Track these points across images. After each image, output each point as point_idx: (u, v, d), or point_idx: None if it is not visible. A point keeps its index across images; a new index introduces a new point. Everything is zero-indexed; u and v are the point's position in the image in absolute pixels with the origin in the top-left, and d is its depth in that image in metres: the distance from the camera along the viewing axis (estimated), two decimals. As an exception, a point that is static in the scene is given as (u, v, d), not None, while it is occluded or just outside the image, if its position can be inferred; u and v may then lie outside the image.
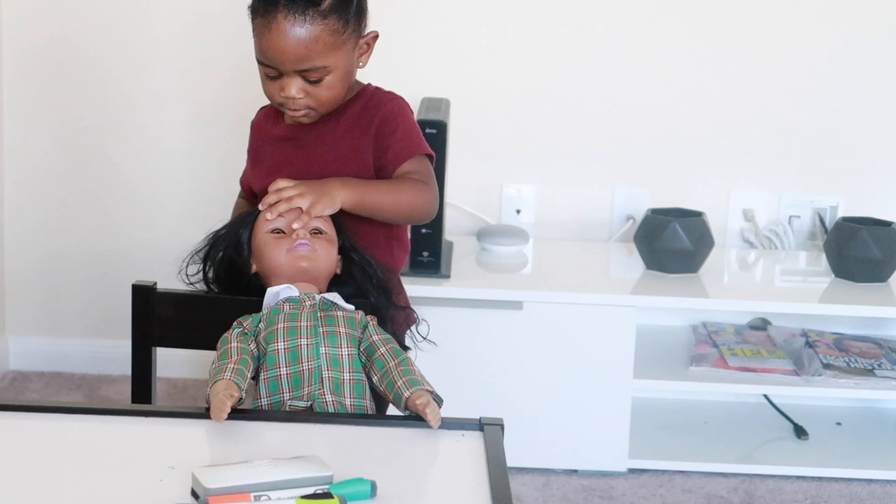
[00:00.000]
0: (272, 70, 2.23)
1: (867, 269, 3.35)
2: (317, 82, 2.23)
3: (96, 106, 3.67)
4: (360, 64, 2.32)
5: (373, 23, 2.32)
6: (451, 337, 3.11)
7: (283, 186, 2.14)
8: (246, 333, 1.98)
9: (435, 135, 3.03)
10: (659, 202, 3.57)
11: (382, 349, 1.96)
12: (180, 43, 3.64)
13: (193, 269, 2.20)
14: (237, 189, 2.48)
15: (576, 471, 3.27)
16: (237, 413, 1.81)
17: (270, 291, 2.05)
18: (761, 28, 3.62)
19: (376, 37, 2.32)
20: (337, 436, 1.81)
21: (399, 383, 1.89)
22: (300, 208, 2.11)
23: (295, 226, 2.09)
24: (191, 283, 2.20)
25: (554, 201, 3.70)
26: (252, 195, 2.39)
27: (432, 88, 3.46)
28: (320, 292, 2.06)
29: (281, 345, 1.94)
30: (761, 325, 3.62)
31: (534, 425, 3.21)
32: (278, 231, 2.11)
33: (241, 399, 1.85)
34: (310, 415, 1.89)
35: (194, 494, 1.57)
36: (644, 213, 3.43)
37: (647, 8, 3.61)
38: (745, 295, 3.38)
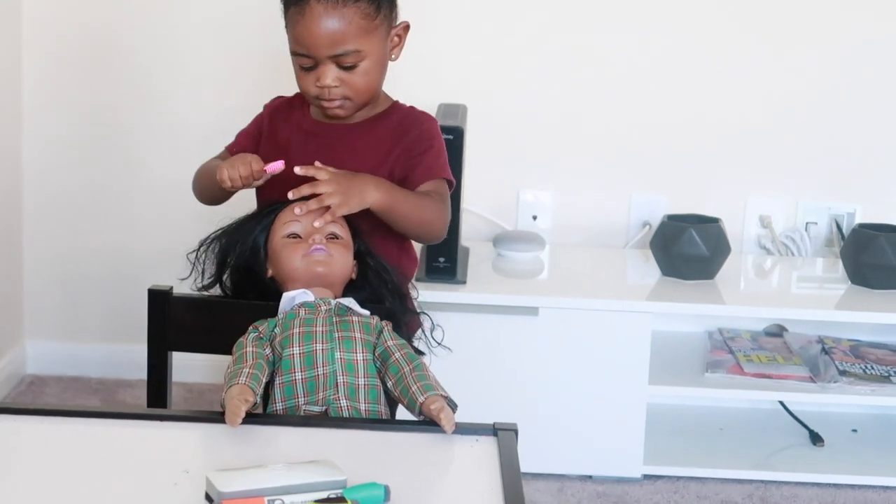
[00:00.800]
0: (307, 60, 2.26)
1: (884, 275, 3.35)
2: (351, 68, 2.25)
3: (116, 113, 3.68)
4: (393, 56, 2.35)
5: (390, 29, 2.33)
6: (466, 343, 3.11)
7: (322, 178, 2.14)
8: (261, 338, 1.99)
9: (452, 141, 3.03)
10: (676, 208, 3.57)
11: (397, 354, 1.96)
12: (206, 45, 3.65)
13: (209, 273, 2.20)
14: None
15: (590, 477, 3.27)
16: (252, 417, 1.82)
17: (286, 296, 2.06)
18: (779, 34, 3.62)
19: (407, 27, 2.36)
20: (351, 440, 1.81)
21: (413, 388, 1.89)
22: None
23: (316, 224, 2.10)
24: (204, 289, 2.21)
25: (570, 207, 3.70)
26: None
27: (449, 94, 3.47)
28: (336, 297, 2.07)
29: (296, 349, 1.95)
30: (777, 331, 3.61)
31: (549, 431, 3.21)
32: (295, 236, 2.11)
33: (255, 403, 1.85)
34: (324, 419, 1.90)
35: (208, 498, 1.58)
36: (660, 220, 3.43)
37: (665, 14, 3.61)
38: (761, 301, 3.38)
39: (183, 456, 1.73)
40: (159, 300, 2.24)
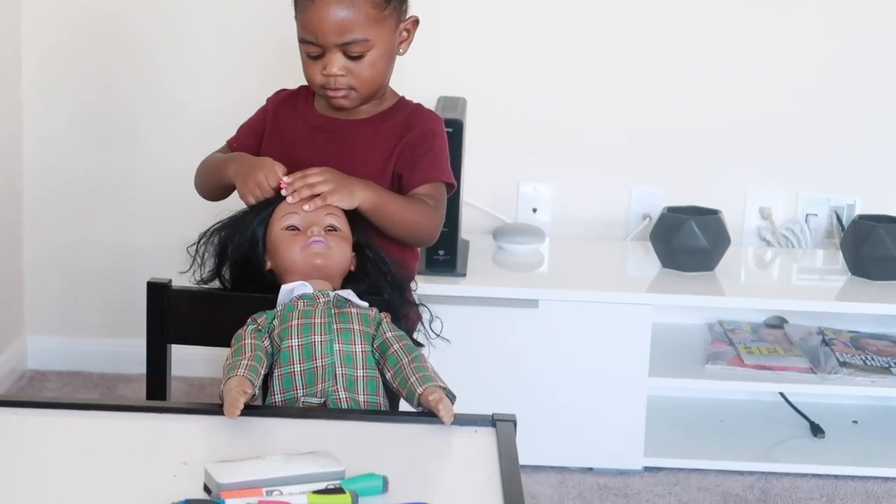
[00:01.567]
0: (314, 48, 2.26)
1: (884, 266, 3.35)
2: (358, 58, 2.26)
3: (115, 104, 3.68)
4: (401, 50, 2.35)
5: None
6: (467, 335, 3.12)
7: (310, 173, 2.16)
8: (260, 330, 1.99)
9: (452, 134, 3.01)
10: (676, 201, 3.57)
11: (396, 346, 1.96)
12: (209, 38, 3.66)
13: (208, 266, 2.20)
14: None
15: (591, 469, 3.27)
16: (250, 409, 1.82)
17: (285, 288, 2.05)
18: (778, 25, 3.62)
19: (417, 21, 2.36)
20: (350, 432, 1.81)
21: (412, 380, 1.89)
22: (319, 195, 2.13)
23: (306, 208, 2.11)
24: (204, 282, 2.21)
25: (570, 200, 3.70)
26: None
27: (449, 87, 3.47)
28: (335, 289, 2.06)
29: (295, 341, 1.95)
30: (777, 323, 3.62)
31: (549, 423, 3.22)
32: (293, 228, 2.11)
33: (254, 395, 1.85)
34: (323, 411, 1.89)
35: (207, 489, 1.58)
36: (660, 212, 3.43)
37: (664, 7, 3.61)
38: (761, 293, 3.39)
39: (181, 448, 1.73)
40: (158, 293, 2.24)
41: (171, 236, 3.65)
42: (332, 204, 2.13)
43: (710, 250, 3.34)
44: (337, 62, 2.26)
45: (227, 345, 1.99)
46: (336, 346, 1.95)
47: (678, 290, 3.27)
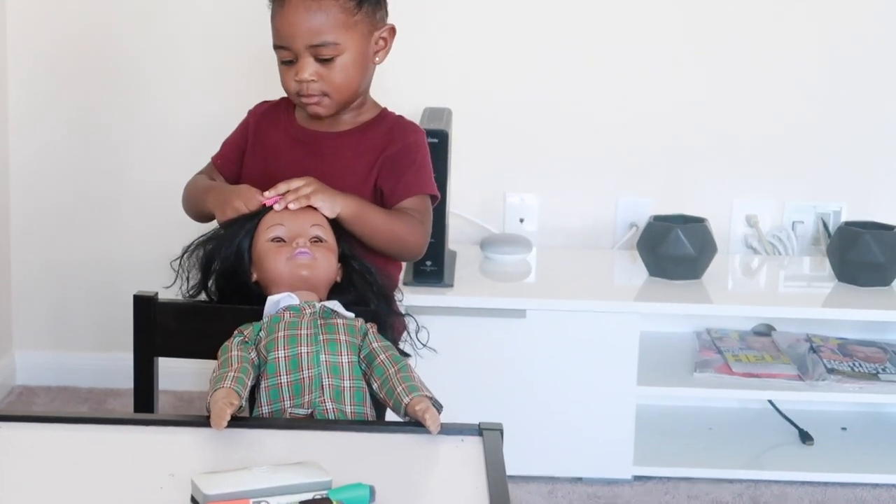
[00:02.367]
0: (287, 52, 2.28)
1: (870, 273, 3.35)
2: (329, 61, 2.27)
3: (102, 118, 3.68)
4: (377, 59, 2.36)
5: (374, 33, 2.34)
6: (454, 346, 3.12)
7: (294, 180, 2.17)
8: (247, 342, 1.99)
9: (437, 144, 3.04)
10: (663, 209, 3.57)
11: (382, 356, 1.97)
12: (193, 52, 3.65)
13: (194, 280, 2.20)
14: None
15: (581, 478, 3.27)
16: (237, 420, 1.82)
17: (271, 300, 2.06)
18: (763, 35, 3.63)
19: (393, 30, 2.37)
20: (337, 442, 1.81)
21: (399, 390, 1.90)
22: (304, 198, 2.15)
23: (291, 206, 2.12)
24: (189, 295, 2.21)
25: (557, 210, 3.70)
26: (233, 177, 2.42)
27: (434, 98, 3.47)
28: (321, 300, 2.07)
29: (281, 353, 1.95)
30: (765, 330, 3.62)
31: (538, 433, 3.22)
32: (279, 239, 2.12)
33: (241, 407, 1.85)
34: (310, 422, 1.90)
35: (194, 501, 1.58)
36: (647, 220, 3.44)
37: (649, 16, 3.62)
38: (748, 301, 3.39)
39: (168, 459, 1.73)
40: (145, 306, 2.24)
41: (159, 250, 3.64)
42: (314, 205, 2.14)
43: (696, 258, 3.35)
44: (308, 67, 2.27)
45: (215, 357, 1.99)
46: (322, 357, 1.95)
47: (665, 299, 3.28)
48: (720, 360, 3.39)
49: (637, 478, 3.28)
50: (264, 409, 1.95)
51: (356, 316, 2.04)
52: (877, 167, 3.69)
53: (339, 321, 2.01)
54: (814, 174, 3.70)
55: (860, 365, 3.36)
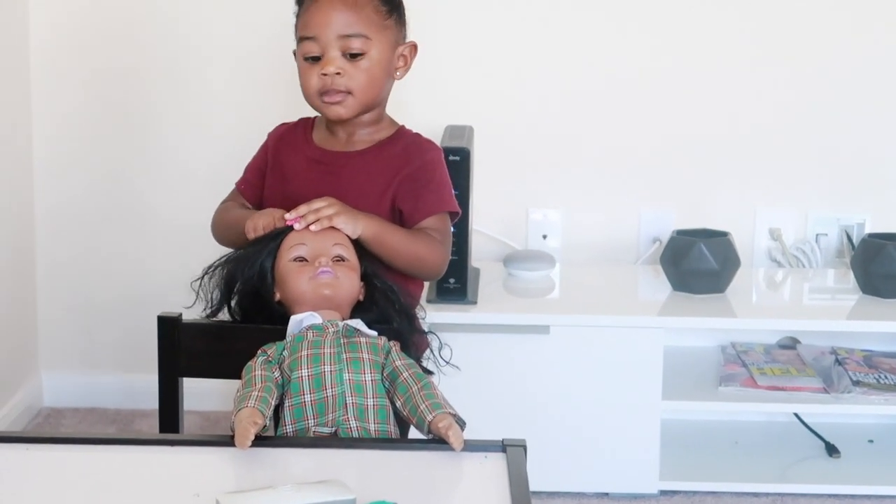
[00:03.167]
0: (314, 46, 2.29)
1: (894, 284, 3.34)
2: (357, 57, 2.29)
3: (126, 141, 3.70)
4: (398, 74, 2.38)
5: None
6: (479, 362, 3.12)
7: (315, 201, 2.19)
8: (270, 361, 2.00)
9: (459, 162, 3.05)
10: (685, 223, 3.57)
11: (405, 374, 1.97)
12: (216, 74, 3.67)
13: (214, 299, 2.22)
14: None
15: (607, 494, 3.27)
16: (261, 440, 1.83)
17: (294, 319, 2.07)
18: (785, 46, 3.62)
19: (415, 47, 2.39)
20: (361, 460, 1.82)
21: (422, 407, 1.90)
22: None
23: (312, 228, 2.13)
24: (207, 316, 2.22)
25: (580, 225, 3.71)
26: (257, 201, 2.44)
27: (456, 116, 3.48)
28: (343, 319, 2.08)
29: (305, 372, 1.96)
30: (790, 343, 3.61)
31: (564, 449, 3.22)
32: (301, 259, 2.13)
33: (265, 426, 1.86)
34: (333, 440, 1.90)
35: (219, 521, 1.59)
36: (670, 235, 3.44)
37: (670, 29, 3.63)
38: (773, 314, 3.39)
39: (193, 479, 1.74)
40: (169, 327, 2.25)
41: (184, 270, 3.67)
42: (337, 226, 2.15)
43: (720, 272, 3.35)
44: (335, 60, 2.29)
45: (239, 377, 2.00)
46: (346, 376, 1.96)
47: (689, 313, 3.27)
48: (745, 374, 3.38)
49: (663, 492, 3.27)
50: (288, 428, 1.96)
51: (379, 334, 2.05)
52: (900, 178, 3.69)
53: (362, 339, 2.01)
54: (837, 186, 3.70)
55: (886, 377, 3.35)
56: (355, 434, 1.92)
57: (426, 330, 2.24)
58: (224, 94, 3.69)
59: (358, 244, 2.19)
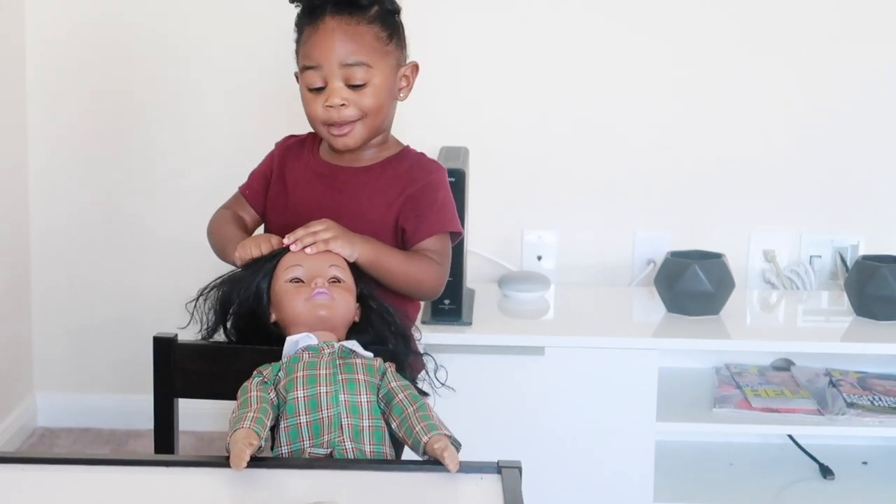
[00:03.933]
0: (316, 77, 2.29)
1: (889, 306, 3.35)
2: (360, 87, 2.28)
3: (121, 163, 3.71)
4: (401, 95, 2.38)
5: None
6: (474, 384, 3.12)
7: (313, 223, 2.19)
8: (266, 382, 2.00)
9: (454, 183, 3.02)
10: (680, 244, 3.58)
11: (401, 395, 1.98)
12: (214, 87, 3.68)
13: (209, 320, 2.22)
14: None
15: (601, 515, 3.27)
16: (257, 461, 1.83)
17: (290, 340, 2.07)
18: (779, 69, 3.64)
19: (416, 67, 2.39)
20: (356, 482, 1.82)
21: (417, 428, 1.90)
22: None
23: (308, 251, 2.13)
24: (203, 337, 2.22)
25: (575, 247, 3.71)
26: (260, 208, 2.45)
27: (451, 137, 3.49)
28: (339, 340, 2.08)
29: (300, 393, 1.96)
30: (784, 365, 3.62)
31: (558, 470, 3.21)
32: (297, 280, 2.13)
33: (260, 447, 1.86)
34: (329, 461, 1.90)
35: (214, 542, 1.59)
36: (664, 256, 3.44)
37: (664, 52, 3.64)
38: (767, 335, 3.39)
39: (189, 501, 1.74)
40: (165, 347, 2.25)
41: (179, 289, 3.67)
42: (333, 250, 2.15)
43: (714, 294, 3.35)
44: (339, 91, 2.29)
45: (234, 398, 2.00)
46: (341, 397, 1.96)
47: (684, 335, 3.28)
48: (739, 396, 3.38)
49: (658, 514, 3.27)
50: (284, 449, 1.96)
51: (375, 355, 2.05)
52: (894, 201, 3.69)
53: (358, 361, 2.02)
54: (831, 208, 3.71)
55: (880, 399, 3.36)
56: (351, 455, 1.93)
57: (422, 351, 2.24)
58: (220, 116, 3.70)
59: (354, 265, 2.19)
